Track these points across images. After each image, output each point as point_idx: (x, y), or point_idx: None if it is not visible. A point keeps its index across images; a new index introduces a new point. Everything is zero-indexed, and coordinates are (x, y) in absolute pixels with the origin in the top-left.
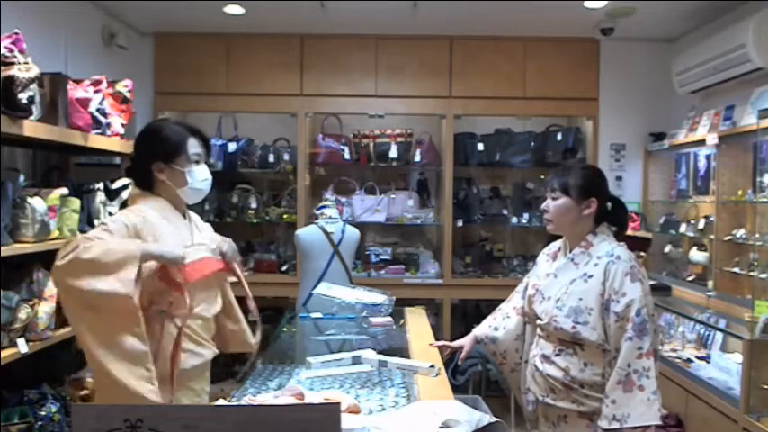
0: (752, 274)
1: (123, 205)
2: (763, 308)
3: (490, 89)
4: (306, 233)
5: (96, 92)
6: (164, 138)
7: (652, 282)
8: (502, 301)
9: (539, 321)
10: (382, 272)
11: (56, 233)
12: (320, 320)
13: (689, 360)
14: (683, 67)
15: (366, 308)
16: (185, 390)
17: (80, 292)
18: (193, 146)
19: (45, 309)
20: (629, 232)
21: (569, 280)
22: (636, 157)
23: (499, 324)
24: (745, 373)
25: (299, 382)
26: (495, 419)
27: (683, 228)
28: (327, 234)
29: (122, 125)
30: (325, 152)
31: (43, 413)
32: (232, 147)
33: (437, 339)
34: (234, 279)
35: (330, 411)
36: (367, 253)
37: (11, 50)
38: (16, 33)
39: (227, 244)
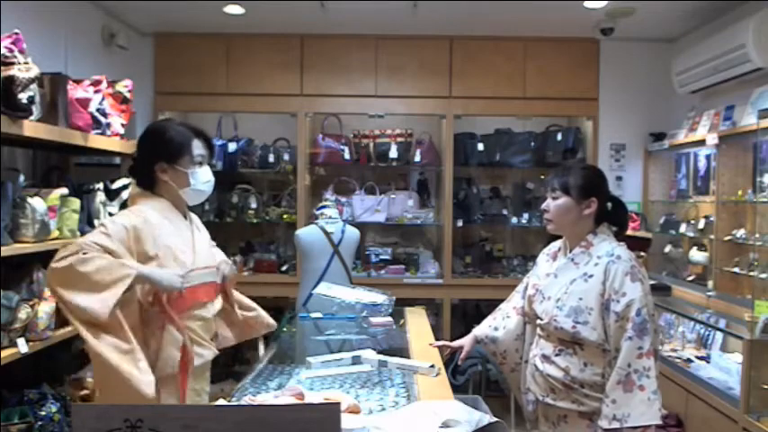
0: (752, 274)
1: (123, 205)
2: (763, 308)
3: (490, 89)
4: (306, 233)
5: (96, 92)
6: (168, 138)
7: (652, 282)
8: (502, 301)
9: (539, 321)
10: (382, 272)
11: (56, 233)
12: (320, 320)
13: (689, 360)
14: (683, 67)
15: (366, 308)
16: (186, 390)
17: (62, 298)
18: (197, 147)
19: (45, 309)
20: (629, 232)
21: (569, 280)
22: (636, 157)
23: (499, 324)
24: (745, 373)
25: (299, 382)
26: (495, 419)
27: (683, 228)
28: (327, 234)
29: (122, 125)
30: (325, 152)
31: (43, 413)
32: (232, 147)
33: (437, 339)
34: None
35: (330, 411)
36: (367, 253)
37: (11, 50)
38: (16, 33)
39: (228, 267)
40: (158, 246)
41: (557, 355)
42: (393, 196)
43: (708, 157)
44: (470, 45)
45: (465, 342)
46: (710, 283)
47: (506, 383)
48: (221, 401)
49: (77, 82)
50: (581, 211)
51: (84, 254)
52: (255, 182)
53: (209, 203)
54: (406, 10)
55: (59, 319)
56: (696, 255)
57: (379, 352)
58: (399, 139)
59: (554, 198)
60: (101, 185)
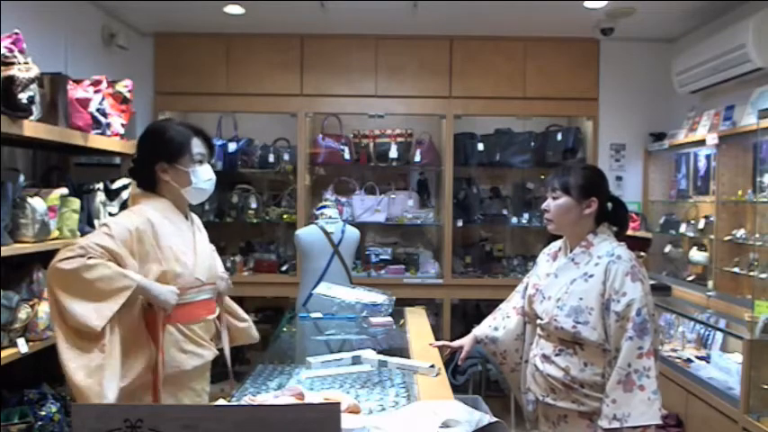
0: (752, 274)
1: (123, 205)
2: (763, 308)
3: (490, 89)
4: (306, 233)
5: (96, 92)
6: (168, 138)
7: (652, 282)
8: (502, 301)
9: (539, 321)
10: (382, 272)
11: (56, 233)
12: (320, 320)
13: (689, 360)
14: (683, 67)
15: (366, 308)
16: (186, 390)
17: (58, 300)
18: (197, 146)
19: (45, 309)
20: (629, 232)
21: (570, 280)
22: (636, 157)
23: (499, 324)
24: (745, 373)
25: (299, 382)
26: (495, 419)
27: (683, 228)
28: (327, 234)
29: (122, 125)
30: (325, 152)
31: (43, 413)
32: (232, 147)
33: (437, 339)
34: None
35: (330, 411)
36: (367, 253)
37: (11, 50)
38: (16, 33)
39: (224, 283)
40: (160, 246)
41: (557, 354)
42: (393, 196)
43: (708, 157)
44: (470, 45)
45: (465, 342)
46: (710, 283)
47: (506, 383)
48: (221, 401)
49: (77, 82)
50: (581, 210)
51: (90, 258)
52: (255, 182)
53: (209, 203)
54: (406, 10)
55: None
56: (696, 255)
57: (379, 352)
58: (399, 139)
59: (554, 198)
60: (101, 185)
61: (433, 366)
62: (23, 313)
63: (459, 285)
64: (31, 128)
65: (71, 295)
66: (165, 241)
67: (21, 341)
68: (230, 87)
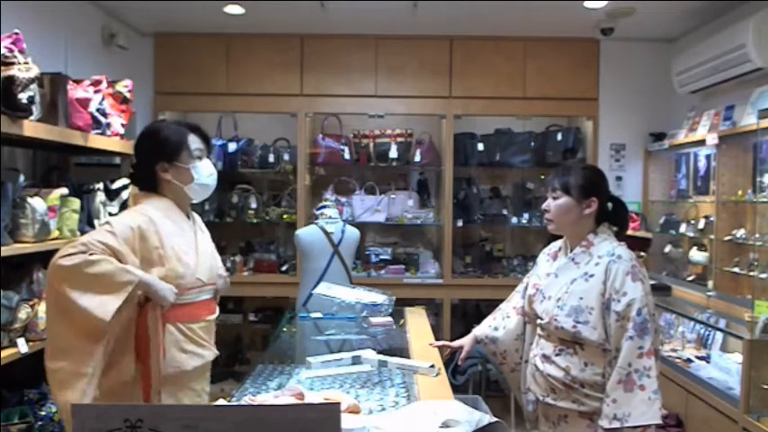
0: (752, 274)
1: (123, 205)
2: (763, 308)
3: (490, 89)
4: (306, 233)
5: (96, 92)
6: (164, 137)
7: (652, 282)
8: (502, 301)
9: (539, 321)
10: (382, 272)
11: (56, 233)
12: (320, 320)
13: (689, 360)
14: (683, 67)
15: (366, 308)
16: (186, 390)
17: (65, 297)
18: (194, 141)
19: (45, 309)
20: (629, 232)
21: (570, 279)
22: (636, 157)
23: (499, 324)
24: (745, 373)
25: (299, 382)
26: (495, 419)
27: (683, 228)
28: (327, 234)
29: (122, 125)
30: (325, 152)
31: (43, 413)
32: (232, 147)
33: (437, 339)
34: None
35: (330, 411)
36: (367, 253)
37: (11, 50)
38: (16, 33)
39: (222, 281)
40: (163, 246)
41: (557, 354)
42: (393, 196)
43: (708, 157)
44: (470, 45)
45: (465, 342)
46: (710, 283)
47: (506, 383)
48: (221, 401)
49: (77, 82)
50: (581, 210)
51: (92, 254)
52: (255, 182)
53: (208, 203)
54: (406, 10)
55: None
56: (696, 255)
57: (379, 352)
58: (399, 139)
59: (554, 198)
60: (101, 185)
61: (433, 366)
62: (23, 313)
63: (459, 285)
64: (31, 128)
65: (77, 289)
66: (168, 241)
67: (21, 341)
68: (230, 87)
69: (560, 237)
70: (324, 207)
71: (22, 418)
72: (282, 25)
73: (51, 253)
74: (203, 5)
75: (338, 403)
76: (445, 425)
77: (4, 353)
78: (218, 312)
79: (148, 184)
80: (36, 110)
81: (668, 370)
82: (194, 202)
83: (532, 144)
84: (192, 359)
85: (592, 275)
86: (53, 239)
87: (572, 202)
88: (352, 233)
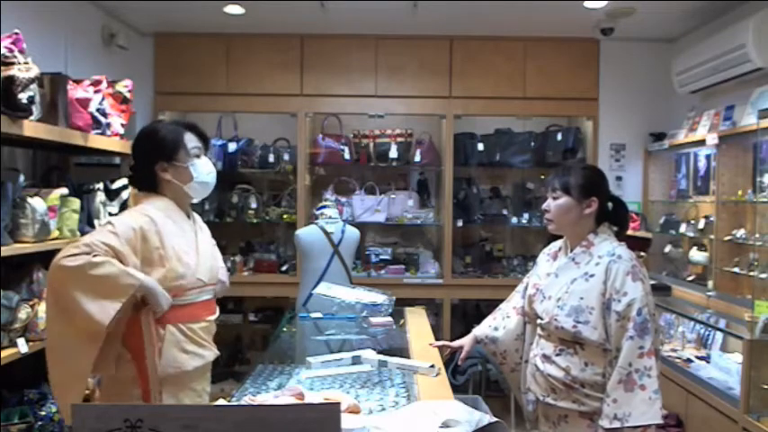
0: (752, 274)
1: (123, 205)
2: (763, 308)
3: (490, 89)
4: (306, 233)
5: (96, 92)
6: (161, 137)
7: (652, 282)
8: (502, 301)
9: (539, 321)
10: (382, 272)
11: (56, 233)
12: (320, 320)
13: (689, 360)
14: (683, 67)
15: (366, 308)
16: (187, 390)
17: (66, 298)
18: (191, 140)
19: (45, 309)
20: (630, 232)
21: (570, 279)
22: (636, 157)
23: (499, 324)
24: (745, 373)
25: (299, 382)
26: (495, 419)
27: (683, 228)
28: (327, 234)
29: (122, 125)
30: (325, 152)
31: (43, 413)
32: (232, 147)
33: (437, 339)
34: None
35: (330, 411)
36: (367, 253)
37: (11, 50)
38: (16, 33)
39: (220, 286)
40: (163, 246)
41: (557, 354)
42: (393, 196)
43: (708, 157)
44: (470, 45)
45: (465, 342)
46: (710, 283)
47: (506, 383)
48: (221, 401)
49: (77, 82)
50: (582, 210)
51: (95, 256)
52: (255, 182)
53: (208, 203)
54: (406, 10)
55: None
56: (696, 255)
57: (379, 352)
58: (399, 139)
59: (555, 198)
60: (101, 185)
61: (433, 366)
62: (23, 313)
63: (459, 285)
64: (31, 128)
65: (81, 290)
66: (168, 241)
67: (21, 341)
68: (230, 87)
69: (560, 237)
70: (324, 207)
71: (22, 418)
72: (282, 25)
73: (51, 253)
74: (203, 5)
75: (338, 403)
76: (445, 425)
77: (4, 353)
78: (219, 313)
79: (148, 184)
80: (36, 110)
81: (668, 370)
82: (194, 201)
83: (532, 144)
84: (193, 359)
85: (592, 275)
86: (53, 239)
87: (572, 202)
88: (352, 233)
